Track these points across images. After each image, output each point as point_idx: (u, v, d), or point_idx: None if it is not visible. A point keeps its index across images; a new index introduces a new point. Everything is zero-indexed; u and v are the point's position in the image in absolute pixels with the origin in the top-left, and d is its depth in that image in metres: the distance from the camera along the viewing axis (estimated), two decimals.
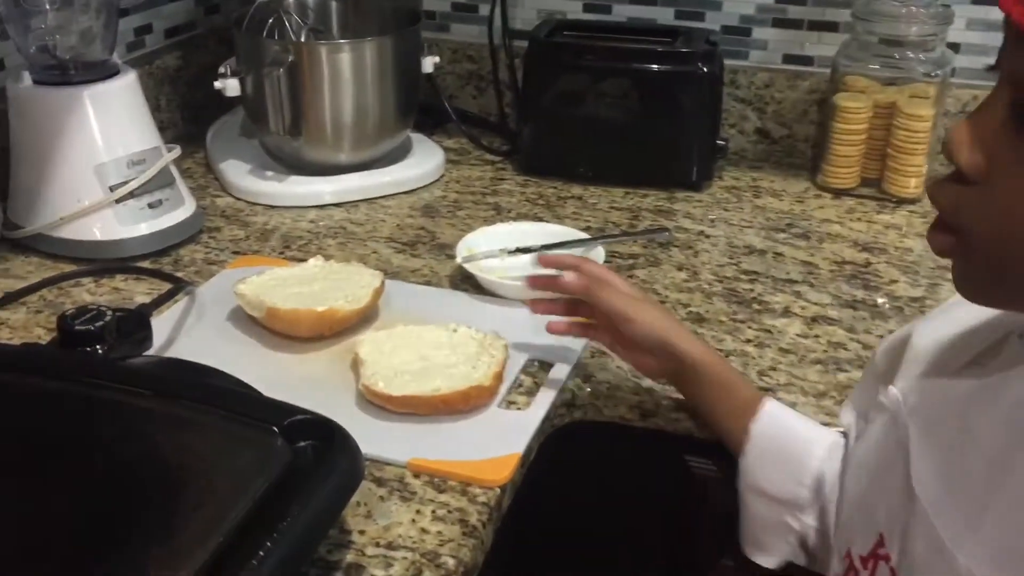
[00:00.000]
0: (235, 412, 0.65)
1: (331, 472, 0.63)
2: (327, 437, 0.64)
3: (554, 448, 0.83)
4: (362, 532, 0.68)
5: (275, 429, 0.63)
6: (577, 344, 0.90)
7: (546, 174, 1.28)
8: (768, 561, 0.75)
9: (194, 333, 0.91)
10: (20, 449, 0.63)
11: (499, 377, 0.82)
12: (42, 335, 0.91)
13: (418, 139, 1.32)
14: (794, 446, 0.73)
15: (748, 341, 0.92)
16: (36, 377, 0.68)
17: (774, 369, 0.88)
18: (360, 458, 0.65)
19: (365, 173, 1.23)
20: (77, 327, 0.74)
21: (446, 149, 1.33)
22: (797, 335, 0.93)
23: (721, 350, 0.91)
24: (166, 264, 1.05)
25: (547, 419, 0.81)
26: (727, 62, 1.27)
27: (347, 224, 1.15)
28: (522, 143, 1.29)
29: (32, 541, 0.56)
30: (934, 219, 0.51)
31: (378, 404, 0.79)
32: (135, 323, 0.80)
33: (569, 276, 0.81)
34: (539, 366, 0.87)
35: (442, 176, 1.28)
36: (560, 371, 0.86)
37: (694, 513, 0.90)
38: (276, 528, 0.57)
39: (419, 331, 0.87)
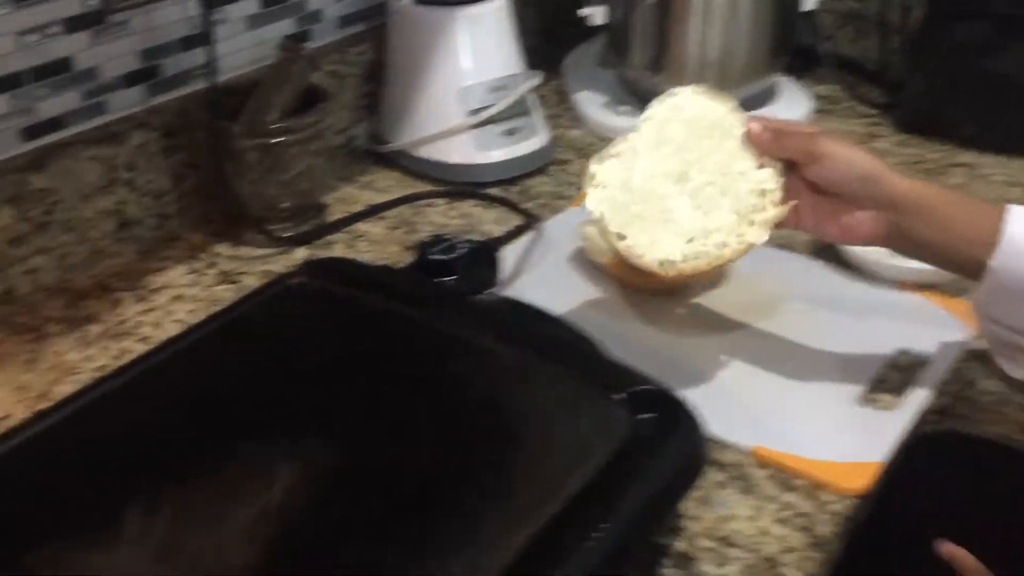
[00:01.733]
0: (579, 371, 0.62)
1: (675, 451, 0.58)
2: (672, 412, 0.59)
3: (917, 457, 0.72)
4: (695, 519, 0.63)
5: (618, 397, 0.59)
6: (956, 340, 0.78)
7: (931, 135, 1.12)
8: (1018, 372, 0.70)
9: (537, 272, 0.89)
10: (371, 372, 0.64)
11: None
12: (396, 252, 0.94)
13: (785, 83, 1.21)
14: None
15: None
16: (396, 302, 0.69)
17: None
18: (706, 440, 0.60)
19: None
20: (432, 256, 0.75)
21: (815, 97, 1.21)
22: None
23: None
24: (514, 193, 1.04)
25: (915, 425, 0.71)
26: None
27: None
28: (907, 96, 1.14)
29: (370, 470, 0.56)
30: None
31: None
32: (485, 258, 0.80)
33: (753, 125, 0.70)
34: (910, 361, 0.77)
35: None
36: (935, 370, 0.75)
37: None
38: (614, 506, 0.53)
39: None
